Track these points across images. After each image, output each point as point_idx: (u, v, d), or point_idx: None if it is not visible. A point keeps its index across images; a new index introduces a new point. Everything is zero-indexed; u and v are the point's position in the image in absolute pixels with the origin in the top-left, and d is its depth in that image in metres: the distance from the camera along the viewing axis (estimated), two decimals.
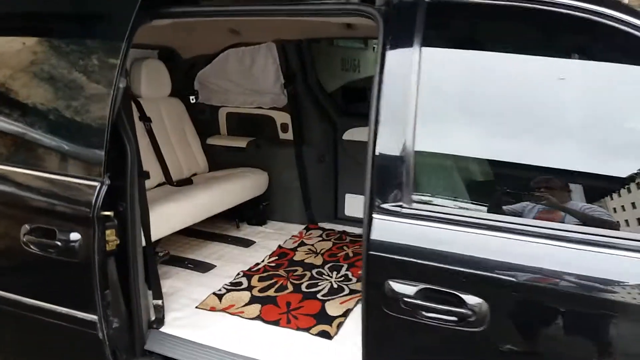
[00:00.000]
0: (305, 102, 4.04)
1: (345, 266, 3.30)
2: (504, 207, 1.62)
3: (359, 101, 4.74)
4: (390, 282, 1.65)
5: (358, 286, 3.00)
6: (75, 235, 2.05)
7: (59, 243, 2.05)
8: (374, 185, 1.73)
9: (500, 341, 1.58)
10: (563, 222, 1.55)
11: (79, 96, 2.14)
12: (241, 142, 4.16)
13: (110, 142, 2.11)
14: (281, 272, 3.21)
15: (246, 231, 3.93)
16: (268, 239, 3.78)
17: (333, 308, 2.75)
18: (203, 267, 3.29)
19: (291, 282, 3.06)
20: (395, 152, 1.69)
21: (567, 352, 1.54)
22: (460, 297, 1.57)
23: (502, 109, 1.66)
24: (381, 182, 1.72)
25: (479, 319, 1.55)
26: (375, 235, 1.69)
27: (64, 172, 2.10)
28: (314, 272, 3.22)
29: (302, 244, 3.68)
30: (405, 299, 1.62)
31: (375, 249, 1.68)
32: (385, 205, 1.70)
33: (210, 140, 4.25)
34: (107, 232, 2.17)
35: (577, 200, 1.61)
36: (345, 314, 2.69)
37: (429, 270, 1.61)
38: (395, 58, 1.73)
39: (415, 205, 1.66)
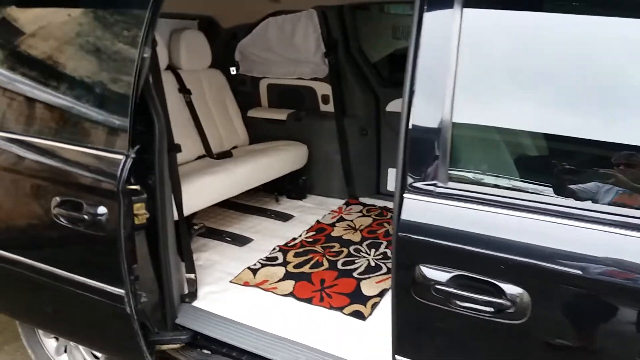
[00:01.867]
0: (347, 72, 3.87)
1: (385, 243, 3.18)
2: (568, 188, 1.42)
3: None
4: (422, 267, 1.52)
5: None
6: (102, 209, 2.02)
7: (86, 217, 2.03)
8: (407, 161, 1.58)
9: (543, 336, 1.42)
10: None
11: (105, 67, 2.08)
12: (281, 115, 4.07)
13: (138, 115, 2.06)
14: (318, 247, 3.13)
15: (285, 205, 3.86)
16: (307, 214, 3.70)
17: (368, 287, 2.64)
18: (240, 241, 3.25)
19: (327, 259, 2.97)
20: (431, 124, 1.54)
21: (619, 352, 1.36)
22: (498, 287, 1.42)
23: (559, 75, 1.45)
24: (414, 157, 1.57)
25: (519, 311, 1.40)
26: (406, 215, 1.56)
27: (92, 144, 2.07)
28: (351, 249, 3.12)
29: (341, 219, 3.58)
30: (438, 286, 1.49)
31: (406, 231, 1.55)
32: (418, 184, 1.56)
33: (251, 113, 4.18)
34: (137, 205, 2.13)
35: None
36: (381, 294, 2.58)
37: (465, 256, 1.47)
38: (433, 20, 1.56)
39: (451, 184, 1.51)
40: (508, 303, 1.40)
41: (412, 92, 1.62)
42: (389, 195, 4.01)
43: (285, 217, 3.64)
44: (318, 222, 3.52)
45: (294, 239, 3.26)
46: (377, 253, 3.06)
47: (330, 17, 3.75)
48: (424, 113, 1.56)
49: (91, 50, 2.12)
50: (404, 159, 1.60)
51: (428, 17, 1.57)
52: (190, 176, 2.97)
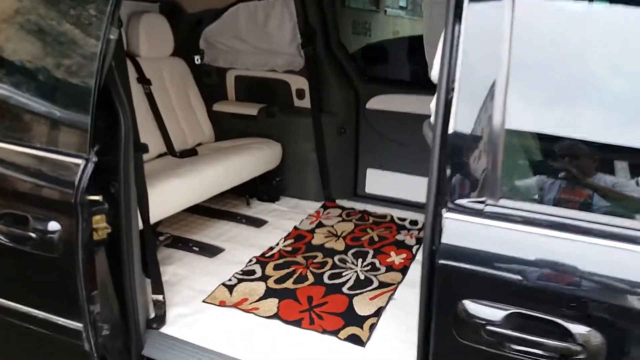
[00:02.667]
0: (325, 65, 3.57)
1: (371, 252, 2.91)
2: None
3: (379, 65, 4.28)
4: (466, 303, 1.25)
5: (388, 278, 2.62)
6: (53, 225, 1.64)
7: (33, 234, 1.64)
8: (445, 172, 1.31)
9: None
10: None
11: (58, 50, 1.69)
12: (252, 110, 3.71)
13: (99, 109, 1.69)
14: (299, 258, 2.82)
15: (257, 209, 3.53)
16: (282, 218, 3.38)
17: (362, 305, 2.36)
18: (210, 251, 2.89)
19: (311, 271, 2.67)
20: (478, 130, 1.27)
21: None
22: (565, 327, 1.16)
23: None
24: (456, 169, 1.30)
25: (591, 357, 1.15)
26: (448, 239, 1.27)
27: (41, 145, 1.68)
28: (336, 259, 2.83)
29: (320, 224, 3.28)
30: (488, 326, 1.22)
31: (447, 258, 1.28)
32: (462, 201, 1.28)
33: (217, 107, 3.81)
34: (96, 218, 1.76)
35: None
36: (378, 313, 2.31)
37: (523, 290, 1.21)
38: (479, 6, 1.28)
39: (505, 201, 1.24)
40: (577, 347, 1.15)
41: (448, 90, 1.35)
42: (367, 198, 3.76)
43: (258, 223, 3.30)
44: (296, 228, 3.21)
45: (271, 248, 2.93)
46: (365, 264, 2.79)
47: (309, 4, 3.43)
48: (468, 117, 1.29)
49: (39, 30, 1.72)
50: (440, 170, 1.32)
51: (470, 3, 1.29)
52: (154, 179, 2.58)
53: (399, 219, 3.41)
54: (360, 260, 2.82)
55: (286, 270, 2.67)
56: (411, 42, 4.33)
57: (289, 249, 2.93)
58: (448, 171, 1.31)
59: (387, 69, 4.21)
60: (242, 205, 3.55)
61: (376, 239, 3.09)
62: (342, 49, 3.65)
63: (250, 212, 3.47)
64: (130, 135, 1.85)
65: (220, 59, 3.85)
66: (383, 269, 2.73)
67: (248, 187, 3.44)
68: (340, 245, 2.99)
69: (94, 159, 1.63)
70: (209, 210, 3.39)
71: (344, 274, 2.67)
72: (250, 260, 2.77)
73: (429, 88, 3.32)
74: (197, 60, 3.81)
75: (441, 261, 1.28)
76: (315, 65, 3.55)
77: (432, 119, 2.10)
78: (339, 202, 3.70)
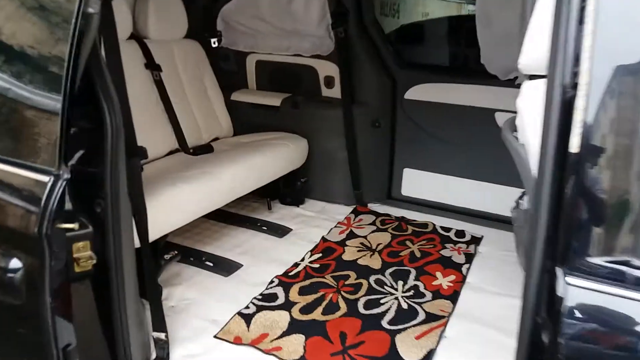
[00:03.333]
0: (359, 48, 3.11)
1: (413, 272, 2.47)
2: None
3: (418, 49, 3.79)
4: None
5: (435, 307, 2.18)
6: (14, 263, 1.23)
7: None
8: (564, 215, 0.86)
9: None
10: None
11: (26, 22, 1.27)
12: (274, 100, 3.28)
13: (80, 105, 1.28)
14: (328, 279, 2.40)
15: (280, 213, 3.11)
16: (307, 226, 2.96)
17: (408, 347, 1.94)
18: (225, 267, 2.49)
19: (343, 297, 2.25)
20: (625, 147, 0.81)
21: None
22: None
23: None
24: (584, 210, 0.85)
25: None
26: (573, 309, 0.83)
27: None
28: (371, 280, 2.40)
29: (352, 234, 2.85)
30: None
31: (579, 339, 0.83)
32: (594, 259, 0.83)
33: (236, 96, 3.38)
34: (78, 245, 1.36)
35: None
36: (429, 357, 1.87)
37: None
38: None
39: None
40: None
41: (565, 89, 0.90)
42: (403, 201, 3.31)
43: (281, 231, 2.89)
44: (324, 239, 2.78)
45: (296, 264, 2.52)
46: (407, 287, 2.35)
47: None
48: (610, 127, 0.83)
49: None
50: (553, 206, 0.87)
51: None
52: (160, 184, 2.18)
53: (443, 228, 2.95)
54: (400, 283, 2.39)
55: (314, 296, 2.25)
56: (457, 22, 3.81)
57: (317, 265, 2.51)
58: (571, 210, 0.86)
59: (428, 53, 3.71)
60: (262, 209, 3.14)
61: (418, 254, 2.65)
62: (378, 29, 3.17)
63: (271, 217, 3.05)
64: (121, 139, 1.44)
65: (240, 42, 3.42)
66: (429, 294, 2.29)
67: (269, 188, 3.01)
68: (376, 263, 2.56)
69: (66, 175, 1.22)
70: (225, 214, 2.98)
71: (382, 300, 2.24)
72: (272, 282, 2.36)
73: (478, 76, 2.87)
74: (214, 43, 3.38)
75: (569, 343, 0.83)
76: (347, 48, 3.10)
77: (517, 120, 1.65)
78: (371, 206, 3.26)
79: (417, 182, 3.27)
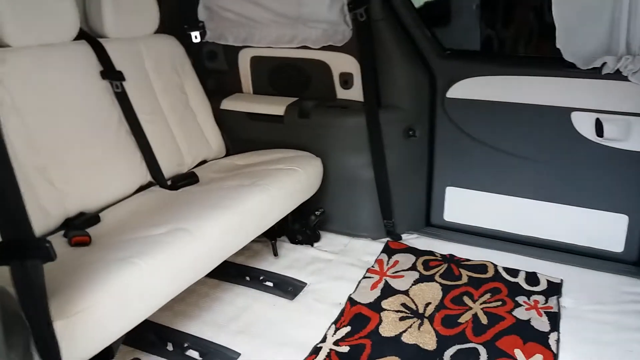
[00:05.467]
0: (385, 34, 2.35)
1: (484, 354, 1.74)
2: None
3: (458, 32, 2.99)
4: None
5: None
6: None
7: None
8: None
9: None
10: None
11: None
12: (277, 107, 2.55)
13: None
14: None
15: (289, 259, 2.38)
16: (327, 277, 2.24)
17: None
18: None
19: None
20: None
21: None
22: None
23: None
24: None
25: None
26: None
27: None
28: None
29: (388, 289, 2.12)
30: None
31: None
32: None
33: (227, 104, 2.65)
34: None
35: None
36: None
37: None
38: None
39: None
40: None
41: None
42: (447, 229, 2.58)
43: (292, 289, 2.17)
44: (351, 300, 2.05)
45: (316, 350, 1.79)
46: None
47: None
48: None
49: None
50: None
51: None
52: (107, 260, 1.46)
53: (508, 271, 2.22)
54: None
55: None
56: None
57: (345, 349, 1.79)
58: None
59: (472, 37, 2.91)
60: (266, 254, 2.42)
61: (484, 319, 1.92)
62: (409, 8, 2.40)
63: (278, 266, 2.32)
64: None
65: (229, 34, 2.67)
66: None
67: (274, 225, 2.29)
68: (429, 339, 1.83)
69: None
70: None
71: None
72: None
73: (549, 65, 2.08)
74: (196, 37, 2.65)
75: None
76: (370, 36, 2.33)
77: None
78: (407, 239, 2.54)
79: (463, 205, 2.53)
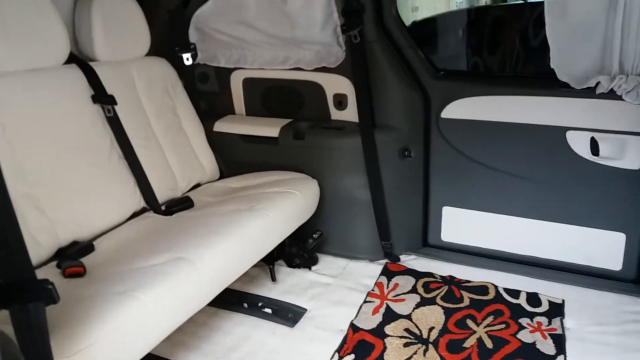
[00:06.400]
0: (378, 54, 2.35)
1: None
2: None
3: (449, 52, 3.01)
4: None
5: None
6: None
7: None
8: None
9: None
10: None
11: None
12: (270, 129, 2.52)
13: None
14: None
15: (287, 284, 2.33)
16: (327, 302, 2.19)
17: None
18: None
19: None
20: None
21: None
22: None
23: None
24: None
25: None
26: None
27: None
28: None
29: (390, 314, 2.09)
30: None
31: None
32: None
33: (220, 126, 2.62)
34: None
35: None
36: None
37: None
38: None
39: None
40: None
41: None
42: (444, 249, 2.56)
43: (292, 315, 2.11)
44: (354, 326, 2.01)
45: None
46: None
47: None
48: None
49: None
50: None
51: None
52: (104, 294, 1.40)
53: (509, 292, 2.20)
54: None
55: None
56: (509, 12, 3.03)
57: None
58: None
59: (462, 57, 2.93)
60: (264, 279, 2.36)
61: (489, 343, 1.89)
62: (402, 29, 2.40)
63: (277, 291, 2.27)
64: None
65: (221, 55, 2.65)
66: None
67: (272, 250, 2.24)
68: None
69: None
70: None
71: None
72: None
73: (542, 85, 2.10)
74: (187, 59, 2.62)
75: None
76: (364, 57, 2.32)
77: None
78: (405, 260, 2.51)
79: (461, 225, 2.52)
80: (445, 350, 1.86)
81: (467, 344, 1.88)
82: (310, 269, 2.44)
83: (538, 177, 2.28)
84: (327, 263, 2.48)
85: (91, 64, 2.12)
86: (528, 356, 1.81)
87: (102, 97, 2.09)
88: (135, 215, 2.11)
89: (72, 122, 1.96)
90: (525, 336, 1.91)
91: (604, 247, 2.25)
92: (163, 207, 2.17)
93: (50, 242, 1.73)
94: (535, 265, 2.38)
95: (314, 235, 2.37)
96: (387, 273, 2.38)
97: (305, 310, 2.13)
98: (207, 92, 2.74)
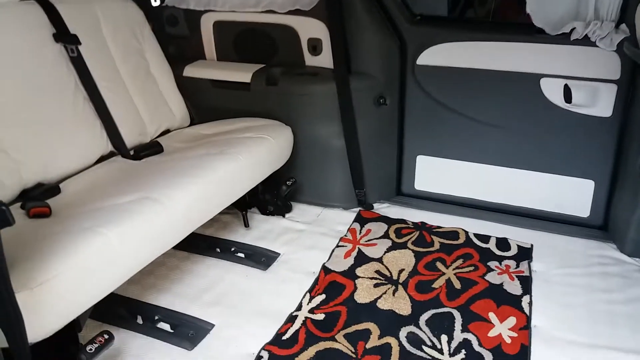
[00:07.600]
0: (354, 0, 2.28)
1: (458, 317, 1.75)
2: None
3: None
4: None
5: None
6: None
7: None
8: None
9: None
10: None
11: None
12: (242, 74, 2.45)
13: None
14: (341, 340, 1.65)
15: (260, 230, 2.33)
16: (300, 247, 2.19)
17: None
18: (190, 332, 1.71)
19: None
20: None
21: None
22: None
23: None
24: None
25: None
26: None
27: None
28: (402, 336, 1.67)
29: (362, 257, 2.10)
30: None
31: None
32: None
33: (190, 71, 2.54)
34: None
35: None
36: None
37: None
38: None
39: None
40: None
41: None
42: (418, 198, 2.57)
43: (265, 259, 2.11)
44: (325, 268, 2.02)
45: (292, 318, 1.76)
46: (455, 346, 1.63)
47: None
48: None
49: None
50: None
51: None
52: (71, 230, 1.37)
53: (479, 237, 2.23)
54: (444, 338, 1.66)
55: None
56: None
57: (321, 317, 1.76)
58: None
59: (440, 2, 2.87)
60: (237, 225, 2.35)
61: (457, 284, 1.92)
62: None
63: (250, 237, 2.26)
64: None
65: None
66: (488, 356, 1.58)
67: (246, 196, 2.22)
68: (403, 304, 1.82)
69: None
70: (185, 238, 2.17)
71: None
72: (260, 355, 1.60)
73: (518, 31, 2.09)
74: (155, 1, 2.50)
75: None
76: (339, 0, 2.26)
77: None
78: (378, 208, 2.52)
79: (434, 173, 2.53)
80: (414, 290, 1.89)
81: (435, 285, 1.91)
82: (284, 216, 2.43)
83: (511, 125, 2.29)
84: (301, 211, 2.48)
85: (53, 2, 2.02)
86: (495, 296, 1.85)
87: (64, 36, 1.99)
88: (102, 159, 2.05)
89: (34, 61, 1.87)
90: (493, 278, 1.96)
91: (573, 194, 2.28)
92: (131, 152, 2.12)
93: (14, 183, 1.68)
94: (507, 212, 2.41)
95: (288, 182, 2.35)
96: (361, 220, 2.39)
97: (278, 254, 2.13)
98: (176, 35, 2.65)
